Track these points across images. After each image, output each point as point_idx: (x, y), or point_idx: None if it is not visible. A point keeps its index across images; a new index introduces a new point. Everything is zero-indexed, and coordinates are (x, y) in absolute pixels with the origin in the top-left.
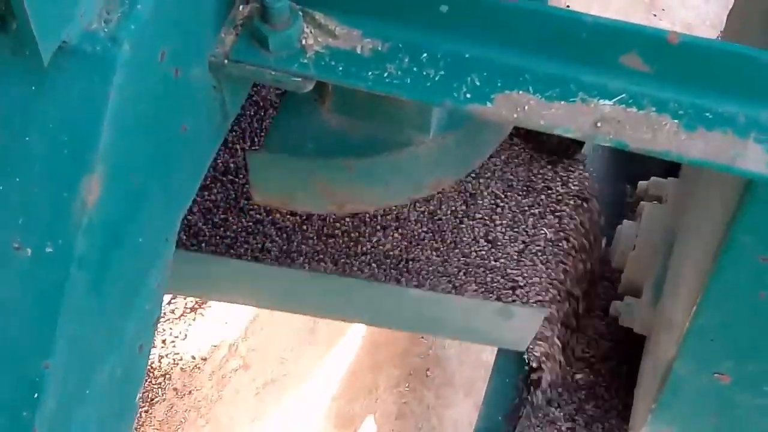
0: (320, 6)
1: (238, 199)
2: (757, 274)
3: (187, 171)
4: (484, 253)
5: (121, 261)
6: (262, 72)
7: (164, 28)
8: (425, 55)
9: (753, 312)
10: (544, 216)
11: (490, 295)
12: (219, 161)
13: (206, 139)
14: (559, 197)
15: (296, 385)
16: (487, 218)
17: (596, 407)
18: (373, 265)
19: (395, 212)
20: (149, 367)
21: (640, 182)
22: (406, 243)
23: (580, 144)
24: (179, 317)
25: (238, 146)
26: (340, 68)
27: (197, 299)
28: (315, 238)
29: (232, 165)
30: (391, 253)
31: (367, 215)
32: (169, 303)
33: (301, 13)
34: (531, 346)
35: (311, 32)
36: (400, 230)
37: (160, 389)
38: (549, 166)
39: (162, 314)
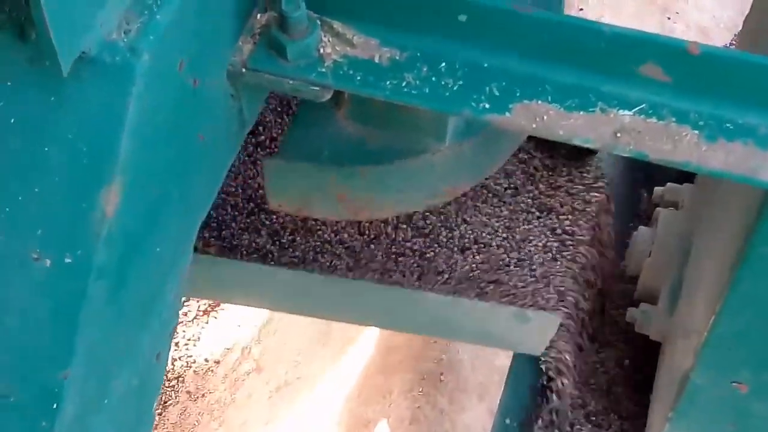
0: (338, 15)
1: (306, 220)
2: None
3: (205, 180)
4: (499, 258)
5: (139, 271)
6: (279, 81)
7: (183, 37)
8: (443, 64)
9: None
10: (561, 221)
11: (507, 299)
12: None
13: (223, 148)
14: (576, 202)
15: (309, 389)
16: (503, 223)
17: (612, 414)
18: (452, 282)
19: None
20: None
21: (656, 188)
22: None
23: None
24: (192, 320)
25: None
26: (358, 77)
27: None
28: (383, 256)
29: None
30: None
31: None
32: (182, 306)
33: (319, 22)
34: (547, 352)
35: (329, 41)
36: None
37: (173, 392)
38: (564, 170)
39: None
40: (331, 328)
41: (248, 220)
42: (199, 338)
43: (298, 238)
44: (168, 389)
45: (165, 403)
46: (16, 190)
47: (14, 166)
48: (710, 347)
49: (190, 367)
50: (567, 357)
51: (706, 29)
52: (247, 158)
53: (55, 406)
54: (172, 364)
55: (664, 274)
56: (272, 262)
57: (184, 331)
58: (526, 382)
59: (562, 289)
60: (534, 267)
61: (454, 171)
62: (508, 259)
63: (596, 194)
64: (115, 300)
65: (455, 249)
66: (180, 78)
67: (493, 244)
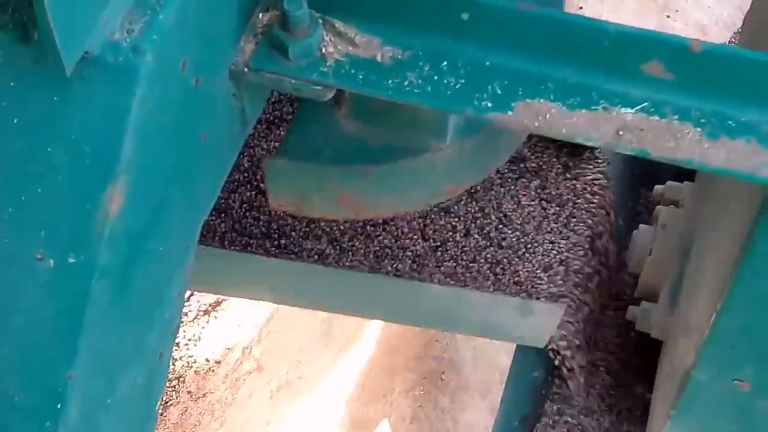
0: (340, 14)
1: (365, 226)
2: None
3: (208, 179)
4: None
5: (143, 270)
6: (281, 80)
7: (186, 37)
8: (445, 63)
9: None
10: (562, 217)
11: (510, 291)
12: None
13: (226, 147)
14: (577, 200)
15: (310, 388)
16: (505, 217)
17: (614, 412)
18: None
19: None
20: None
21: (656, 186)
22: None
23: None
24: (193, 320)
25: None
26: (360, 77)
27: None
28: (451, 261)
29: None
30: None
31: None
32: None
33: (321, 22)
34: (549, 347)
35: (331, 40)
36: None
37: (174, 392)
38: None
39: None
40: (332, 327)
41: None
42: (199, 338)
43: (357, 244)
44: (169, 389)
45: (166, 403)
46: (19, 191)
47: (18, 166)
48: (712, 344)
49: (191, 367)
50: (570, 352)
51: (705, 27)
52: None
53: (59, 406)
54: (173, 364)
55: (665, 272)
56: (331, 266)
57: (184, 331)
58: (529, 379)
59: (566, 283)
60: (537, 260)
61: (456, 169)
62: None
63: (598, 191)
64: (120, 300)
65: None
66: (183, 78)
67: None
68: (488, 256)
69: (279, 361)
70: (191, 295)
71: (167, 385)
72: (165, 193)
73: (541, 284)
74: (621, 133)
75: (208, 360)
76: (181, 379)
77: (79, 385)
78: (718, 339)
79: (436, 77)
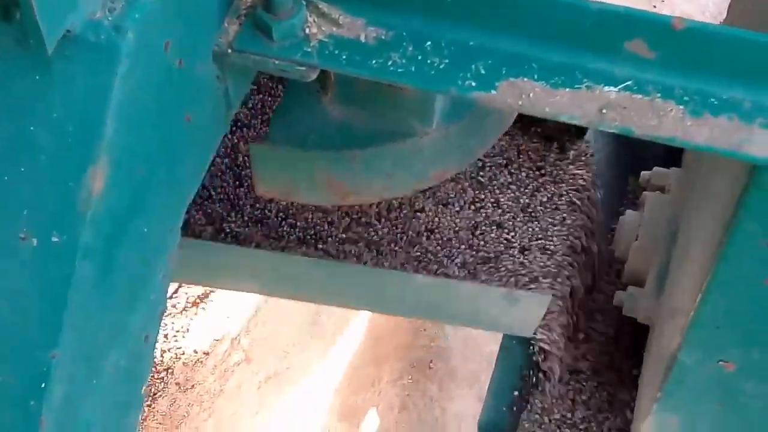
0: None
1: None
2: (762, 260)
3: (192, 161)
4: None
5: (126, 251)
6: (265, 61)
7: (168, 17)
8: (429, 43)
9: (758, 298)
10: (549, 204)
11: (496, 281)
12: None
13: (210, 129)
14: (564, 187)
15: (299, 379)
16: (490, 205)
17: (601, 397)
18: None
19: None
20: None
21: (643, 172)
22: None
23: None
24: (181, 311)
25: None
26: (344, 57)
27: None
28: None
29: None
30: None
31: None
32: (171, 297)
33: (304, 2)
34: (536, 336)
35: (315, 21)
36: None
37: (162, 383)
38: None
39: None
40: (320, 318)
41: None
42: (188, 330)
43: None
44: (157, 381)
45: (154, 394)
46: (2, 170)
47: (0, 146)
48: (697, 326)
49: (179, 358)
50: (557, 338)
51: (691, 17)
52: None
53: (43, 386)
54: (162, 355)
55: (651, 257)
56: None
57: (173, 323)
58: (516, 366)
59: (552, 271)
60: (523, 249)
61: (442, 154)
62: (497, 240)
63: (585, 178)
64: (103, 280)
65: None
66: (166, 59)
67: (483, 225)
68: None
69: (267, 352)
70: (179, 287)
71: (156, 376)
72: (149, 174)
73: (527, 273)
74: (604, 111)
75: (196, 351)
76: (170, 370)
77: (63, 365)
78: (702, 321)
79: (420, 57)
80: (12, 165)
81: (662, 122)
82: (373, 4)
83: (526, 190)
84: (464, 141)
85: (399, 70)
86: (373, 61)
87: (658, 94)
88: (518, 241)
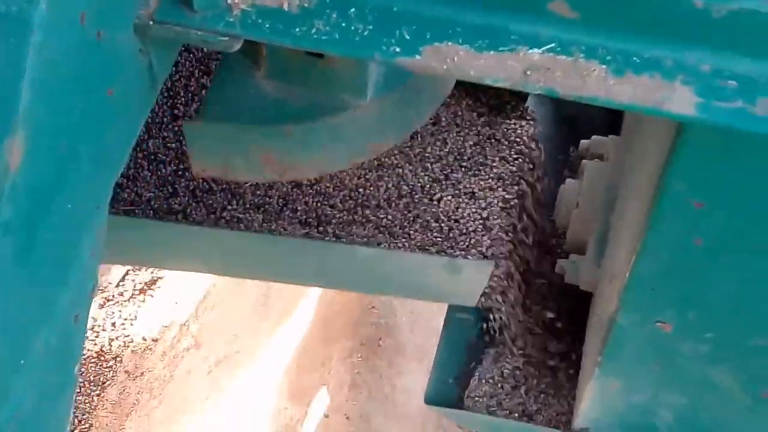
0: None
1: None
2: (691, 220)
3: (117, 136)
4: (430, 208)
5: (49, 227)
6: (187, 32)
7: None
8: (353, 10)
9: (690, 259)
10: (492, 172)
11: (438, 250)
12: None
13: (135, 104)
14: (506, 155)
15: (249, 362)
16: (435, 174)
17: (546, 366)
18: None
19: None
20: (100, 351)
21: (582, 141)
22: (352, 202)
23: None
24: (128, 299)
25: None
26: (267, 26)
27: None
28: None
29: None
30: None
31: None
32: (118, 285)
33: None
34: (480, 305)
35: None
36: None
37: (111, 372)
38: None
39: (111, 297)
40: (269, 300)
41: None
42: (135, 317)
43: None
44: (106, 369)
45: (103, 383)
46: None
47: None
48: (632, 288)
49: (128, 346)
50: (501, 306)
51: None
52: None
53: None
54: (110, 344)
55: (592, 225)
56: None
57: (120, 311)
58: (460, 338)
59: (495, 239)
60: (465, 217)
61: (378, 127)
62: (437, 209)
63: (525, 148)
64: (25, 256)
65: (382, 200)
66: (82, 30)
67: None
68: (413, 216)
69: (216, 336)
70: (126, 274)
71: (104, 365)
72: (71, 148)
73: (468, 242)
74: (528, 73)
75: (144, 339)
76: (119, 358)
77: None
78: (638, 282)
79: (344, 24)
80: None
81: (586, 82)
82: None
83: (464, 158)
84: (400, 113)
85: (323, 37)
86: (297, 29)
87: (582, 55)
88: (458, 210)
